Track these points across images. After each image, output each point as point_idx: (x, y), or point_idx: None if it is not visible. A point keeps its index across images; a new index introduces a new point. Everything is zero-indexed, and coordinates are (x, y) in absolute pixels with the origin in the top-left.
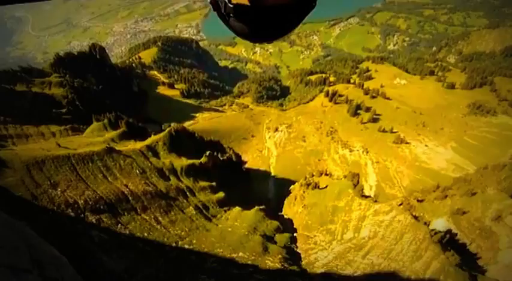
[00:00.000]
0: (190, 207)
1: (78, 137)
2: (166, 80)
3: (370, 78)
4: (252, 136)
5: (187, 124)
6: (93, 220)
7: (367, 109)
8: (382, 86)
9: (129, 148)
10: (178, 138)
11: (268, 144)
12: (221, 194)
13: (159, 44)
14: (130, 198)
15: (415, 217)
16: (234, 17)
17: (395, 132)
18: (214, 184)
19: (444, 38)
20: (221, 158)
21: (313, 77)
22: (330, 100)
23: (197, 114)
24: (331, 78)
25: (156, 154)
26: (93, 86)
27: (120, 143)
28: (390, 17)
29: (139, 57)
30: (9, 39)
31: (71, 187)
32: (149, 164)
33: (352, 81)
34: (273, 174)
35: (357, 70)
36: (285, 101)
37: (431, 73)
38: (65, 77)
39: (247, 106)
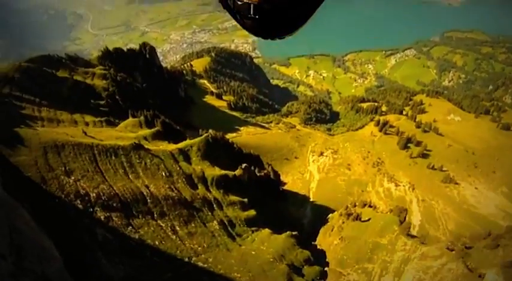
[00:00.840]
0: (215, 221)
1: (109, 130)
2: (215, 90)
3: (423, 111)
4: (295, 158)
5: (229, 136)
6: (102, 217)
7: (418, 143)
8: (435, 121)
9: (160, 148)
10: (215, 146)
11: (311, 168)
12: (251, 213)
13: (213, 54)
14: (149, 200)
15: (469, 268)
16: (245, 15)
17: (444, 170)
18: (245, 200)
19: (501, 78)
20: (258, 174)
21: (364, 105)
22: (380, 130)
23: (241, 128)
24: (384, 108)
25: (187, 159)
26: (138, 83)
27: (151, 143)
28: (447, 52)
29: (191, 65)
30: (68, 34)
31: (86, 178)
32: (178, 169)
33: (404, 113)
34: (311, 199)
35: (411, 102)
36: (334, 126)
37: (487, 112)
38: (109, 70)
39: (294, 126)
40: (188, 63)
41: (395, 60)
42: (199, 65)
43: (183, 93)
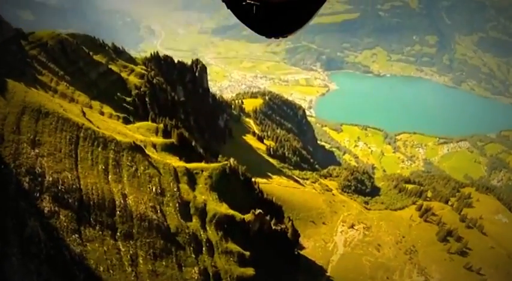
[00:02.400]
0: (196, 268)
1: (117, 123)
2: (257, 132)
3: (470, 206)
4: (323, 223)
5: (257, 180)
6: (46, 209)
7: (459, 239)
8: (481, 218)
9: (163, 160)
10: (232, 179)
11: (337, 239)
12: (249, 271)
13: (267, 97)
14: (118, 212)
15: None
16: (250, 13)
17: (482, 274)
18: (247, 253)
19: None
20: (273, 227)
21: (409, 186)
22: (421, 216)
23: (274, 176)
24: (429, 194)
25: (192, 183)
26: (176, 95)
27: (158, 153)
28: (501, 151)
29: (242, 102)
30: (136, 45)
31: (53, 158)
32: (175, 190)
33: (450, 203)
34: (328, 274)
35: (458, 194)
36: (372, 200)
37: None
38: (149, 72)
39: (331, 190)
40: (240, 100)
41: (447, 150)
42: (250, 104)
43: (223, 123)
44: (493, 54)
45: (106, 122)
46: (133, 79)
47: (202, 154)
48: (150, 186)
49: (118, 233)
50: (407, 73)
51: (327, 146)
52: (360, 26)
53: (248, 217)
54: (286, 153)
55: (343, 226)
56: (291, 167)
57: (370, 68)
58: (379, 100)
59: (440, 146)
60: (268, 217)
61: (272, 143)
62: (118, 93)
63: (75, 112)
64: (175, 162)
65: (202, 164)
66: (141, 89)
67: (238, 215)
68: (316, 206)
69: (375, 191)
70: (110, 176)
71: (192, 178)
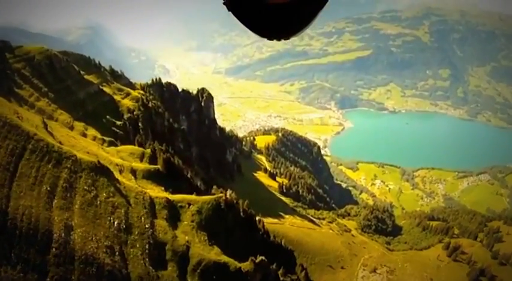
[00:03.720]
0: None
1: (94, 143)
2: (270, 169)
3: (500, 240)
4: (342, 268)
5: (268, 221)
6: None
7: (492, 278)
8: None
9: (137, 188)
10: (229, 216)
11: None
12: None
13: (280, 134)
14: (53, 250)
15: None
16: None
17: None
18: None
19: None
20: (281, 278)
21: (433, 223)
22: (449, 255)
23: (286, 216)
24: (455, 230)
25: (173, 220)
26: (180, 126)
27: (138, 180)
28: None
29: (254, 139)
30: None
31: None
32: (147, 226)
33: (479, 239)
34: None
35: (485, 228)
36: (394, 240)
37: None
38: (147, 97)
39: (349, 231)
40: (252, 137)
41: (468, 184)
42: (262, 140)
43: (231, 158)
44: (506, 84)
45: (76, 139)
46: (126, 102)
47: (198, 186)
48: (112, 219)
49: (48, 279)
50: (422, 108)
51: (343, 185)
52: (373, 62)
53: (246, 265)
54: (301, 191)
55: (364, 270)
56: (306, 206)
57: (384, 104)
58: (395, 137)
59: (460, 180)
60: (274, 265)
61: (285, 181)
62: (107, 116)
63: (33, 122)
64: (156, 192)
65: (191, 196)
66: (134, 113)
67: (233, 264)
68: (334, 249)
69: (396, 230)
70: (55, 201)
71: (174, 213)
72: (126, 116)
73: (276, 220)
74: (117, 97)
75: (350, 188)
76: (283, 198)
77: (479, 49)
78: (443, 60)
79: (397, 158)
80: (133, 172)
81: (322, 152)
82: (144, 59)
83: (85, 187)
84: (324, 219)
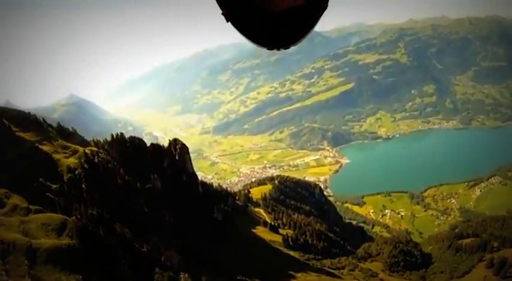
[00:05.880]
0: None
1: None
2: (270, 221)
3: None
4: None
5: None
6: None
7: None
8: None
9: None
10: None
11: None
12: None
13: (276, 182)
14: None
15: None
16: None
17: None
18: None
19: None
20: None
21: (465, 241)
22: (497, 273)
23: (298, 274)
24: (494, 243)
25: None
26: (156, 190)
27: (38, 267)
28: None
29: (249, 191)
30: None
31: None
32: None
33: None
34: None
35: None
36: (429, 272)
37: None
38: (96, 153)
39: (377, 274)
40: (246, 190)
41: (480, 191)
42: (258, 192)
43: (221, 216)
44: (491, 84)
45: None
46: (69, 161)
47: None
48: None
49: None
50: (415, 128)
51: (354, 223)
52: (358, 94)
53: None
54: (310, 240)
55: None
56: (319, 257)
57: (377, 133)
58: (394, 163)
59: (472, 189)
60: None
61: (290, 232)
62: (41, 179)
63: None
64: None
65: None
66: (76, 172)
67: None
68: None
69: (427, 260)
70: None
71: None
72: (66, 177)
73: None
74: (57, 156)
75: (361, 224)
76: (290, 252)
77: (458, 57)
78: (425, 77)
79: (402, 184)
80: (33, 251)
81: (324, 193)
82: (131, 129)
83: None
84: (344, 268)
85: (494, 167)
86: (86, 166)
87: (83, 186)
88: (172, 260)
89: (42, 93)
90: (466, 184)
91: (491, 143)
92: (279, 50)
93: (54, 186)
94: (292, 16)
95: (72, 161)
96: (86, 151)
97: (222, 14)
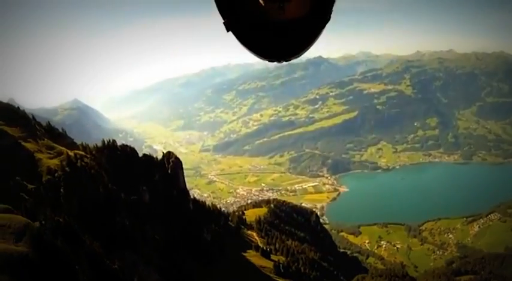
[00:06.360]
0: None
1: None
2: (262, 245)
3: None
4: None
5: None
6: None
7: None
8: None
9: None
10: None
11: None
12: None
13: (272, 205)
14: None
15: None
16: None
17: None
18: None
19: None
20: None
21: (465, 278)
22: None
23: None
24: None
25: None
26: (144, 203)
27: None
28: None
29: (243, 213)
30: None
31: None
32: None
33: None
34: None
35: None
36: None
37: None
38: (80, 157)
39: None
40: (240, 211)
41: (479, 227)
42: (252, 214)
43: (210, 237)
44: (495, 120)
45: None
46: (51, 162)
47: None
48: None
49: None
50: (415, 161)
51: (349, 253)
52: (361, 123)
53: None
54: (302, 269)
55: None
56: None
57: (377, 163)
58: (393, 194)
59: (470, 225)
60: None
61: (282, 258)
62: (18, 177)
63: None
64: None
65: None
66: (56, 175)
67: None
68: None
69: None
70: None
71: None
72: (44, 178)
73: None
74: (40, 155)
75: (356, 254)
76: (280, 280)
77: (463, 92)
78: (429, 110)
79: (400, 215)
80: None
81: (320, 220)
82: (132, 140)
83: None
84: None
85: (493, 203)
86: (67, 169)
87: (61, 190)
88: (148, 280)
89: (47, 95)
90: (465, 219)
91: (492, 179)
92: (279, 62)
93: (30, 186)
94: (295, 27)
95: (54, 162)
96: (70, 153)
97: (224, 23)
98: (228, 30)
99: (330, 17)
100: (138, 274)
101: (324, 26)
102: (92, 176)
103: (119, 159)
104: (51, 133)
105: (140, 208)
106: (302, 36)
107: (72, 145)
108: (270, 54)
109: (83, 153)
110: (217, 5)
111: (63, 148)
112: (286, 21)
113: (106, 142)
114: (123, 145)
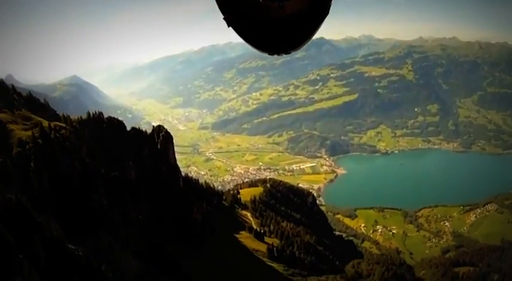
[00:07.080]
0: None
1: None
2: (256, 227)
3: None
4: None
5: None
6: None
7: None
8: None
9: None
10: None
11: None
12: None
13: (268, 185)
14: None
15: None
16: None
17: None
18: None
19: None
20: None
21: (462, 270)
22: None
23: None
24: (494, 276)
25: None
26: (129, 179)
27: None
28: None
29: (238, 192)
30: None
31: None
32: None
33: None
34: None
35: None
36: None
37: None
38: (64, 132)
39: None
40: (236, 190)
41: (476, 217)
42: (247, 194)
43: (200, 217)
44: (496, 110)
45: None
46: (25, 133)
47: None
48: None
49: None
50: (414, 146)
51: (343, 235)
52: (361, 106)
53: None
54: (297, 253)
55: None
56: (305, 273)
57: (376, 147)
58: (391, 179)
59: (467, 214)
60: None
61: (276, 241)
62: None
63: None
64: None
65: None
66: (27, 147)
67: None
68: None
69: None
70: None
71: None
72: (15, 151)
73: None
74: (13, 126)
75: (351, 237)
76: (274, 265)
77: (464, 80)
78: (430, 96)
79: (397, 200)
80: None
81: (317, 202)
82: (130, 117)
83: None
84: None
85: (491, 194)
86: (39, 140)
87: (31, 164)
88: (124, 265)
89: (48, 72)
90: (462, 207)
91: (490, 170)
92: (279, 54)
93: None
94: (295, 22)
95: (27, 134)
96: (44, 124)
97: (224, 18)
98: (228, 26)
99: (328, 11)
100: (114, 258)
101: (323, 20)
102: (67, 149)
103: (104, 132)
104: (30, 104)
105: (123, 185)
106: (301, 30)
107: (53, 117)
108: (270, 48)
109: (63, 124)
110: (217, 1)
111: (41, 119)
112: (286, 15)
113: (92, 114)
114: (109, 117)
